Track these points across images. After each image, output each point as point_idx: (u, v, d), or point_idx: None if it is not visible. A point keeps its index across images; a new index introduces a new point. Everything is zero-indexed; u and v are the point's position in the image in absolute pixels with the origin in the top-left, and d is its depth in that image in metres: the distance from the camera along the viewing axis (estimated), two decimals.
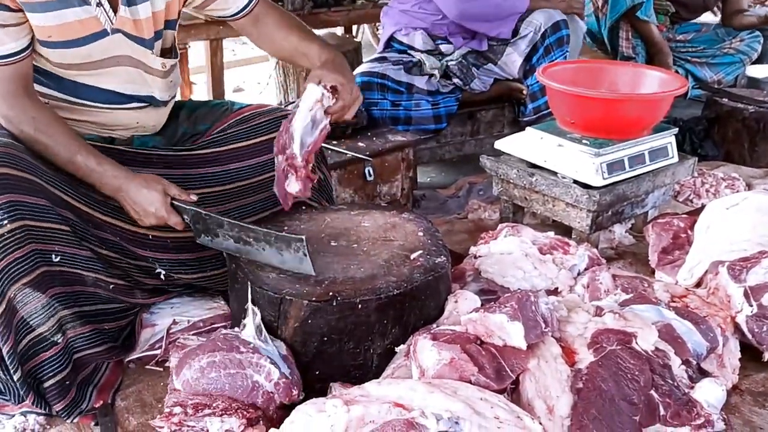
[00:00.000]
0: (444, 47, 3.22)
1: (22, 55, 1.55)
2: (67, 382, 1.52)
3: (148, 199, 1.58)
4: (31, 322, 1.47)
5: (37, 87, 1.64)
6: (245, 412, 1.37)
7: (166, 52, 1.76)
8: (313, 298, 1.47)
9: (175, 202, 1.61)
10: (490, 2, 3.09)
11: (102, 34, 1.60)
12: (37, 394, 1.49)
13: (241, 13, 1.80)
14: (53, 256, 1.50)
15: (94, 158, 1.58)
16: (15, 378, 1.45)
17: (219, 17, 1.85)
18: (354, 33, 5.16)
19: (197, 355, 1.43)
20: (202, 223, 1.62)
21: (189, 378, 1.41)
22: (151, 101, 1.78)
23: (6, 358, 1.44)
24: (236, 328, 1.53)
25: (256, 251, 1.58)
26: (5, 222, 1.40)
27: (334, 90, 1.59)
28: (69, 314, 1.54)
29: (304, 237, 1.52)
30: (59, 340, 1.51)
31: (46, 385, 1.50)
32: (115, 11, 1.58)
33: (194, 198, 1.63)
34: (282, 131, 1.62)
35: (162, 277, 1.73)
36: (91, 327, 1.59)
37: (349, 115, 1.66)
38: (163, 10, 1.68)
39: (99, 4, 1.55)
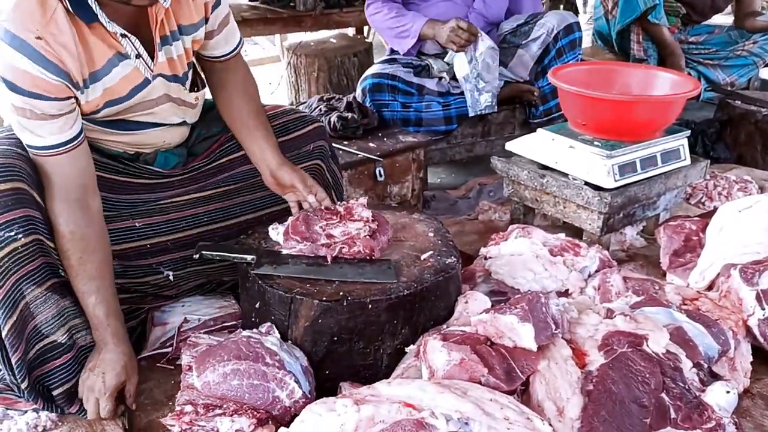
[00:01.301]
0: None
1: (81, 137, 1.50)
2: (73, 391, 1.53)
3: (111, 374, 1.50)
4: (43, 331, 1.48)
5: None
6: (255, 412, 1.37)
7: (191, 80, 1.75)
8: (324, 298, 1.47)
9: (205, 252, 1.62)
10: None
11: (144, 84, 1.58)
12: (46, 400, 1.51)
13: (223, 58, 1.78)
14: (61, 270, 1.50)
15: (105, 307, 1.51)
16: (23, 386, 1.46)
17: (205, 57, 1.80)
18: (365, 34, 5.16)
19: (222, 359, 1.43)
20: (270, 257, 1.62)
21: (211, 380, 1.41)
22: (180, 124, 1.78)
23: (14, 368, 1.45)
24: (255, 330, 1.53)
25: (331, 270, 1.57)
26: (20, 236, 1.41)
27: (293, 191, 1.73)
28: (80, 323, 1.55)
29: (391, 260, 1.60)
30: (71, 344, 1.52)
31: (55, 393, 1.51)
32: (152, 57, 1.56)
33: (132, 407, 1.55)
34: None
35: (171, 278, 1.73)
36: None
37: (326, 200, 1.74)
38: (195, 43, 1.66)
39: (138, 56, 1.52)
